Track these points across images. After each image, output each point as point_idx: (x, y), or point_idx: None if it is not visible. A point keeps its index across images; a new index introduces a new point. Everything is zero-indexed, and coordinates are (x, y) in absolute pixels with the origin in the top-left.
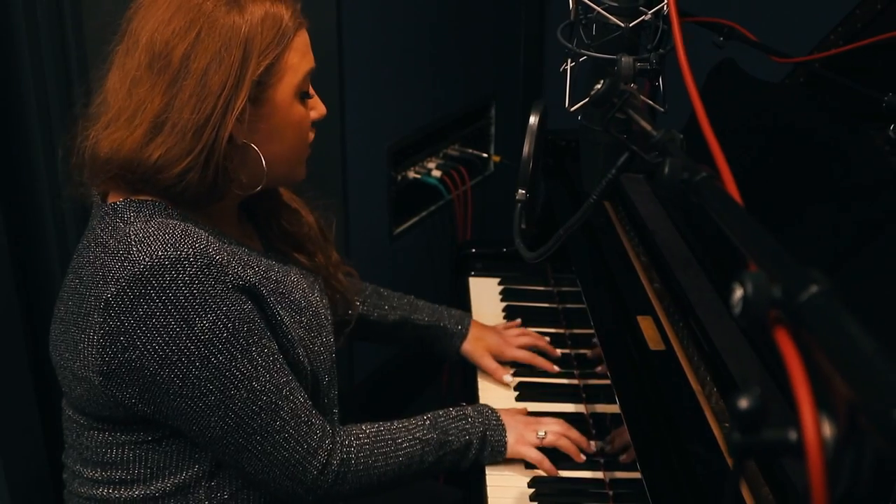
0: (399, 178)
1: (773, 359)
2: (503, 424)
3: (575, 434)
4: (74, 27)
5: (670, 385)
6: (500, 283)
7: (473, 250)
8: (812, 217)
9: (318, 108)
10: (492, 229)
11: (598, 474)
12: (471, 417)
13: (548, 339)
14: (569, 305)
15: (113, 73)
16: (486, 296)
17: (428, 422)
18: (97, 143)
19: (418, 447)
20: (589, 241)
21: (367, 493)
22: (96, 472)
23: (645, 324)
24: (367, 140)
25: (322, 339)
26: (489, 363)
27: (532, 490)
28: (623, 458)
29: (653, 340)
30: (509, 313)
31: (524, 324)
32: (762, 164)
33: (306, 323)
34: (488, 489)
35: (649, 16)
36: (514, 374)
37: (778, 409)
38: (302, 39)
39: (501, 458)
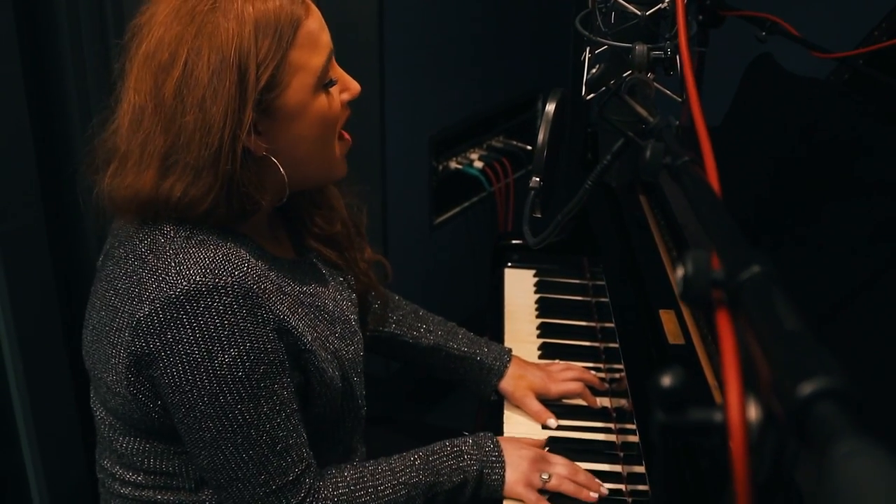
0: (440, 167)
1: None
2: (503, 461)
3: (583, 478)
4: (115, 16)
5: None
6: (535, 276)
7: (511, 242)
8: (835, 213)
9: (349, 89)
10: (534, 222)
11: None
12: (467, 454)
13: (595, 374)
14: (602, 299)
15: (119, 112)
16: (520, 287)
17: (418, 461)
18: (113, 190)
19: (403, 492)
20: (619, 235)
21: None
22: (139, 476)
23: (666, 317)
24: (408, 129)
25: (354, 347)
26: (532, 405)
27: None
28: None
29: (672, 334)
30: (542, 305)
31: (556, 314)
32: (793, 159)
33: (340, 333)
34: None
35: (666, 4)
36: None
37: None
38: (307, 30)
39: (498, 495)
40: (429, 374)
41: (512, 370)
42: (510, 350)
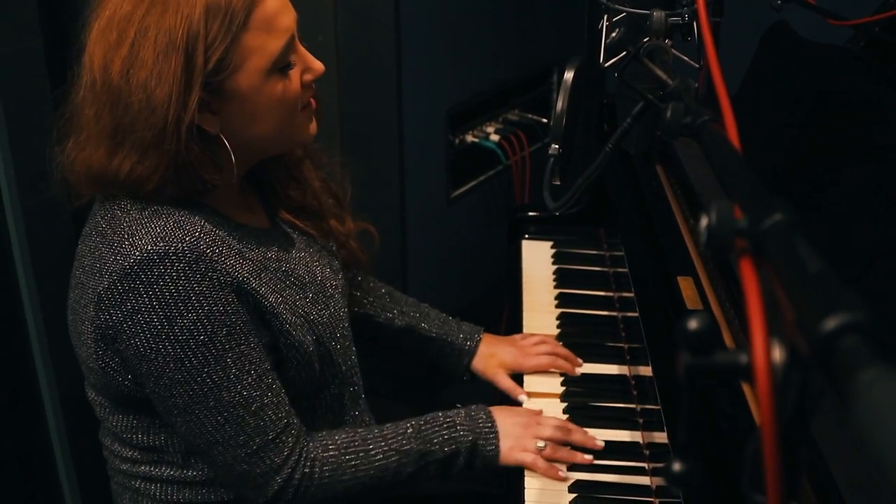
0: (457, 141)
1: None
2: (496, 431)
3: (578, 436)
4: None
5: None
6: (552, 247)
7: (528, 214)
8: (852, 180)
9: (312, 69)
10: (552, 190)
11: (645, 480)
12: (460, 425)
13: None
14: (620, 269)
15: (77, 85)
16: (537, 258)
17: (410, 430)
18: (70, 164)
19: (394, 458)
20: (636, 203)
21: (333, 503)
22: (134, 453)
23: (685, 284)
24: (425, 103)
25: (331, 311)
26: (503, 381)
27: (574, 495)
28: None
29: (691, 300)
30: (559, 276)
31: (574, 285)
32: (809, 126)
33: (312, 298)
34: (526, 492)
35: None
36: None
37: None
38: (263, 13)
39: (494, 465)
40: (402, 356)
41: (482, 349)
42: (481, 329)
